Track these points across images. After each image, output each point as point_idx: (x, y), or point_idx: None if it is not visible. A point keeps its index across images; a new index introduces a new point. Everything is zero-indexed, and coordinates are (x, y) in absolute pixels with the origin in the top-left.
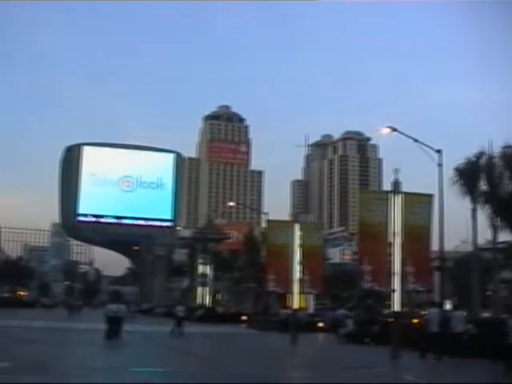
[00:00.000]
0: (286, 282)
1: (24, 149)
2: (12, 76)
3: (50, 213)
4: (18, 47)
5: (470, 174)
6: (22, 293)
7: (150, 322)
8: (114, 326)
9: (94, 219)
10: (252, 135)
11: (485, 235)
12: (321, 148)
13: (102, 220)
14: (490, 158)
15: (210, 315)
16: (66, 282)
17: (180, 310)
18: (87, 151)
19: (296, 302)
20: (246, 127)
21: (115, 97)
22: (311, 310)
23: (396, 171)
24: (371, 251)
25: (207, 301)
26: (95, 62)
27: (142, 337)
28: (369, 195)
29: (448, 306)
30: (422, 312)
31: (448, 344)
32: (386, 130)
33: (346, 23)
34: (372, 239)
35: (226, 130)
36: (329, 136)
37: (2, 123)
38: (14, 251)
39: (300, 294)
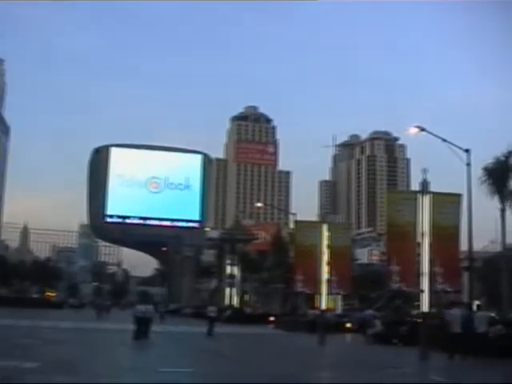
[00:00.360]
0: (314, 282)
1: (53, 150)
2: (41, 78)
3: (79, 214)
4: (44, 48)
5: (498, 174)
6: (50, 294)
7: (178, 322)
8: (142, 326)
9: (122, 220)
10: (279, 136)
11: None
12: (348, 148)
13: (130, 221)
14: None
15: (237, 316)
16: (94, 283)
17: (211, 310)
18: (115, 153)
19: (324, 302)
20: (274, 128)
21: (143, 98)
22: (339, 310)
23: (424, 171)
24: (399, 251)
25: (235, 301)
26: (123, 63)
27: (170, 337)
28: (397, 195)
29: (473, 306)
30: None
31: (471, 344)
32: (415, 130)
33: (370, 24)
34: (400, 239)
35: (253, 131)
36: (356, 136)
37: (30, 125)
38: (42, 252)
39: (328, 294)
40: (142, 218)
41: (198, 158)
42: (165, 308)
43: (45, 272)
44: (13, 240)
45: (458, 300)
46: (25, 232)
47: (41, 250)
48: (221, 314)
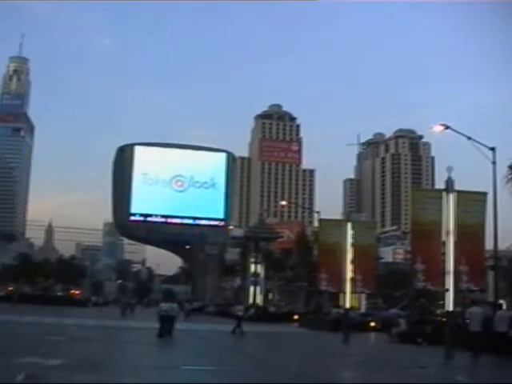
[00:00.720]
0: (338, 281)
1: (77, 149)
2: (65, 77)
3: (103, 212)
4: (74, 48)
5: None
6: (74, 291)
7: (202, 320)
8: (167, 324)
9: (146, 219)
10: (303, 134)
11: None
12: (373, 146)
13: (155, 219)
14: None
15: (261, 314)
16: (118, 281)
17: (239, 309)
18: (139, 151)
19: (348, 301)
20: (298, 126)
21: (167, 97)
22: (363, 309)
23: (449, 169)
24: (424, 250)
25: (259, 300)
26: (146, 62)
27: (194, 335)
28: (421, 193)
29: (498, 305)
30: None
31: (491, 344)
32: (439, 128)
33: (393, 24)
34: (425, 238)
35: (277, 129)
36: (381, 134)
37: (55, 123)
38: (66, 250)
39: (352, 293)
40: (166, 217)
41: (223, 156)
42: (190, 306)
43: (69, 270)
44: (37, 238)
45: (482, 299)
46: (49, 230)
47: (65, 248)
48: (245, 313)
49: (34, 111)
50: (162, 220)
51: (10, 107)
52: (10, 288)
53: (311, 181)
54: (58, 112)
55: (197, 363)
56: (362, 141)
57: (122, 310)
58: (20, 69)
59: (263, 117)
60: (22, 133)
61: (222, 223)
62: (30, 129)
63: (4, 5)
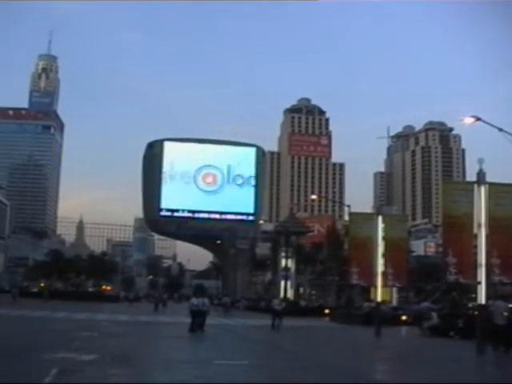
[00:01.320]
0: (370, 274)
1: (108, 145)
2: (97, 75)
3: (134, 208)
4: (102, 45)
5: None
6: (106, 287)
7: (232, 315)
8: (198, 319)
9: (176, 214)
10: (332, 127)
11: None
12: (403, 139)
13: (185, 215)
14: None
15: (292, 309)
16: (149, 277)
17: (276, 303)
18: (169, 147)
19: (379, 295)
20: (327, 120)
21: (196, 93)
22: (394, 303)
23: (480, 161)
24: (456, 243)
25: (290, 294)
26: (175, 59)
27: (225, 330)
28: (452, 186)
29: None
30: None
31: None
32: (470, 120)
33: (422, 16)
34: (457, 231)
35: (306, 123)
36: (411, 127)
37: (84, 121)
38: (98, 246)
39: (383, 287)
40: (196, 212)
41: (252, 150)
42: (230, 301)
43: (100, 266)
44: (69, 234)
45: None
46: (80, 227)
47: (96, 244)
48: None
49: (63, 109)
50: (193, 215)
51: (39, 105)
52: (42, 284)
53: (341, 174)
54: (87, 109)
55: (229, 357)
56: (392, 134)
57: (154, 305)
58: (49, 67)
59: (292, 111)
60: (52, 130)
61: (253, 218)
62: (60, 126)
63: (32, 3)
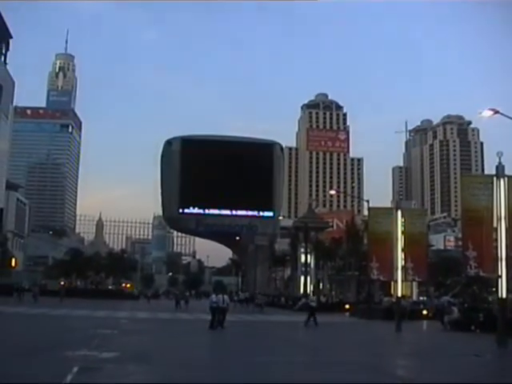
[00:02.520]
0: (389, 269)
1: (126, 143)
2: (114, 73)
3: (153, 206)
4: (119, 44)
5: None
6: (126, 285)
7: (252, 311)
8: (218, 316)
9: (195, 211)
10: (350, 122)
11: None
12: (421, 133)
13: (203, 211)
14: None
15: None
16: (169, 274)
17: (312, 300)
18: (187, 144)
19: (400, 289)
20: (344, 115)
21: (213, 89)
22: (415, 297)
23: (499, 154)
24: (476, 237)
25: (310, 290)
26: (192, 56)
27: (246, 326)
28: (471, 179)
29: None
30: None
31: None
32: (489, 113)
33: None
34: (476, 224)
35: (324, 119)
36: (429, 121)
37: (101, 118)
38: (117, 244)
39: (403, 281)
40: (215, 209)
41: (270, 146)
42: (262, 299)
43: (120, 264)
44: (87, 232)
45: None
46: (99, 225)
47: (115, 241)
48: (294, 303)
49: (80, 107)
50: (211, 212)
51: (56, 104)
52: (62, 283)
53: (359, 169)
54: (105, 107)
55: (249, 354)
56: (410, 128)
57: (175, 302)
58: (66, 65)
59: (310, 106)
60: (70, 129)
61: (271, 214)
62: (78, 125)
63: (49, 3)
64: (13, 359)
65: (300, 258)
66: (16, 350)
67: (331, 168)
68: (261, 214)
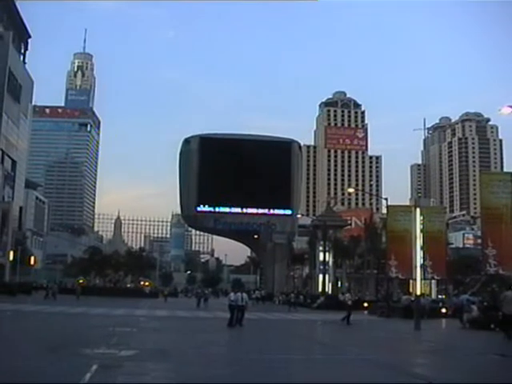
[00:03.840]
0: (408, 267)
1: (145, 141)
2: (132, 72)
3: (171, 204)
4: (137, 42)
5: None
6: (144, 283)
7: (270, 309)
8: (237, 314)
9: (213, 209)
10: (368, 120)
11: None
12: (439, 131)
13: (222, 210)
14: None
15: (331, 302)
16: (187, 272)
17: (348, 297)
18: (205, 142)
19: (418, 287)
20: (363, 112)
21: (232, 88)
22: (433, 295)
23: None
24: (495, 234)
25: (328, 288)
26: (211, 54)
27: (264, 324)
28: (490, 177)
29: None
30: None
31: None
32: (508, 110)
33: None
34: (496, 222)
35: (342, 116)
36: (447, 118)
37: (120, 117)
38: (135, 242)
39: (422, 279)
40: (233, 207)
41: (288, 145)
42: (295, 298)
43: (138, 262)
44: (106, 231)
45: None
46: (118, 223)
47: (134, 240)
48: (314, 301)
49: (99, 106)
50: (229, 210)
51: (75, 103)
52: (81, 281)
53: (378, 167)
54: (123, 106)
55: (267, 352)
56: (428, 126)
57: (197, 300)
58: (84, 64)
59: (328, 104)
60: (89, 127)
61: (290, 212)
62: (96, 123)
63: (67, 2)
64: (32, 357)
65: (318, 256)
66: (35, 347)
67: (349, 166)
68: (279, 212)
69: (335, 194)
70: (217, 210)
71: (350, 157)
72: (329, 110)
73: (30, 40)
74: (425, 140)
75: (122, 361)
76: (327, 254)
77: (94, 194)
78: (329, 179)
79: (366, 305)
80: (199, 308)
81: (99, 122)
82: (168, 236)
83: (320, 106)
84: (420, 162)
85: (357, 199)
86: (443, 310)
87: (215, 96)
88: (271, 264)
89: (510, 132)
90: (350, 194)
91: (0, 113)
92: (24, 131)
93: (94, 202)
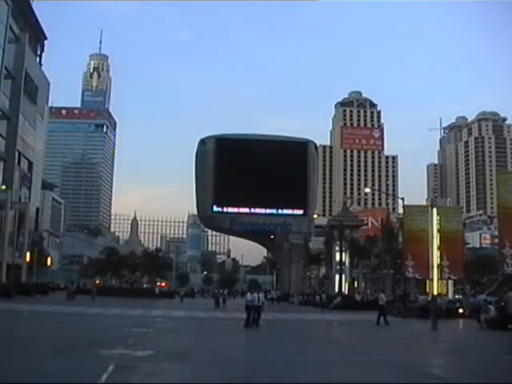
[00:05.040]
0: (425, 267)
1: (161, 142)
2: (148, 73)
3: (188, 204)
4: (153, 43)
5: None
6: (161, 283)
7: (287, 310)
8: (254, 314)
9: (229, 210)
10: (384, 120)
11: None
12: (455, 130)
13: (238, 210)
14: None
15: (347, 303)
16: (203, 272)
17: (382, 297)
18: (221, 143)
19: (435, 287)
20: (379, 112)
21: (248, 89)
22: (450, 295)
23: None
24: None
25: (345, 288)
26: (227, 55)
27: (280, 325)
28: (507, 177)
29: None
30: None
31: None
32: None
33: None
34: None
35: (358, 116)
36: (463, 118)
37: (138, 118)
38: (152, 243)
39: (439, 279)
40: (249, 207)
41: (304, 145)
42: (325, 299)
43: (155, 262)
44: (122, 231)
45: None
46: (134, 224)
47: (150, 240)
48: (330, 301)
49: (115, 107)
50: (246, 211)
51: (91, 104)
52: (97, 281)
53: (394, 167)
54: (140, 106)
55: (284, 353)
56: (445, 125)
57: (215, 301)
58: (100, 66)
59: (344, 104)
60: (105, 128)
61: (306, 212)
62: (112, 124)
63: (83, 3)
64: (49, 357)
65: (335, 257)
66: (52, 348)
67: (365, 166)
68: (295, 212)
69: (351, 194)
70: (233, 210)
71: (366, 157)
72: (345, 110)
73: (46, 41)
74: (441, 139)
75: (138, 361)
76: (344, 254)
77: (111, 195)
78: (345, 179)
79: None
80: (217, 309)
81: (115, 123)
82: (184, 236)
83: (336, 106)
84: (436, 161)
85: (373, 199)
86: (460, 311)
87: (231, 96)
88: (287, 264)
89: None
90: (366, 194)
91: (17, 114)
92: (40, 132)
93: (110, 203)
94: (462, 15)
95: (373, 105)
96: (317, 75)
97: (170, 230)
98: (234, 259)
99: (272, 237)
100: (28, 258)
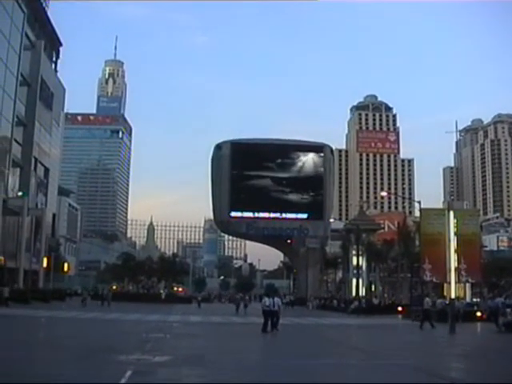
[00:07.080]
0: (442, 271)
1: (177, 147)
2: (164, 78)
3: (204, 210)
4: (168, 49)
5: None
6: (178, 288)
7: (304, 314)
8: (273, 318)
9: (246, 214)
10: (400, 123)
11: None
12: (471, 133)
13: (254, 215)
14: None
15: (365, 307)
16: (220, 277)
17: (428, 301)
18: (236, 147)
19: (453, 291)
20: (394, 116)
21: (263, 93)
22: (468, 299)
23: None
24: None
25: (362, 292)
26: (242, 59)
27: (297, 329)
28: None
29: None
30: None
31: None
32: None
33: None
34: None
35: (373, 120)
36: (479, 120)
37: (153, 124)
38: (168, 248)
39: (457, 283)
40: (265, 212)
41: (320, 149)
42: (356, 303)
43: (171, 268)
44: (139, 237)
45: None
46: (151, 229)
47: (167, 245)
48: (347, 306)
49: (130, 112)
50: (262, 215)
51: (106, 110)
52: (114, 287)
53: (410, 170)
54: (155, 112)
55: (301, 357)
56: (460, 128)
57: (236, 306)
58: (115, 72)
59: (359, 108)
60: (120, 134)
61: (322, 216)
62: (128, 130)
63: (98, 10)
64: (68, 363)
65: (352, 261)
66: (70, 353)
67: (381, 169)
68: (311, 216)
69: (367, 197)
70: (249, 215)
71: (381, 160)
72: (360, 114)
73: (61, 48)
74: (457, 142)
75: (155, 367)
76: (360, 257)
77: (127, 200)
78: (361, 183)
79: (400, 309)
80: (238, 314)
81: (131, 129)
82: (201, 241)
83: (351, 109)
84: (452, 164)
85: (389, 203)
86: (478, 314)
87: (246, 100)
88: (304, 269)
89: None
90: (382, 197)
91: (33, 121)
92: (56, 139)
93: (126, 208)
94: (477, 17)
95: (388, 108)
96: (332, 79)
97: (187, 235)
98: (250, 264)
99: (288, 241)
100: (45, 264)
